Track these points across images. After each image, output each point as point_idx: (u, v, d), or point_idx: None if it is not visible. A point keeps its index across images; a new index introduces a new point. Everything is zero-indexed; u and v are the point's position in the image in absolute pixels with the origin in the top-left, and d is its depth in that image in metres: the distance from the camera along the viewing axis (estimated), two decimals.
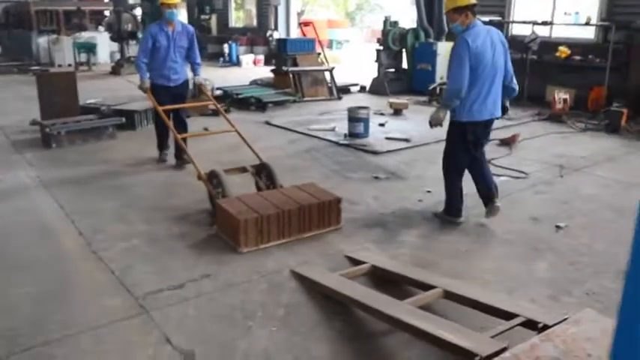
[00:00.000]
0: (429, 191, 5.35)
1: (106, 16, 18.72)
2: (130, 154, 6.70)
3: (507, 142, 7.16)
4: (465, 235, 4.37)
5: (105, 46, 17.01)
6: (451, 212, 4.59)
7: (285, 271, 3.72)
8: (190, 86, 7.27)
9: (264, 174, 5.11)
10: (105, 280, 3.58)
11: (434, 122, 4.45)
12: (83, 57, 16.24)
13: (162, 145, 6.44)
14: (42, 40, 16.86)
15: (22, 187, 5.44)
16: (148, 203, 5.00)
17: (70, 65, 15.09)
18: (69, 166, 6.14)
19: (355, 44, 27.00)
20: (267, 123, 8.60)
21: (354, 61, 18.70)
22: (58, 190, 5.30)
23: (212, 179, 4.83)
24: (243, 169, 5.17)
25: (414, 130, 8.04)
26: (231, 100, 9.76)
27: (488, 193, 4.54)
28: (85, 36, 16.89)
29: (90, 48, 16.34)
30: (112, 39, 15.86)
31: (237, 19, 20.91)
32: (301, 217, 4.31)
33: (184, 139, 5.66)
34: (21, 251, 4.01)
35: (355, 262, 3.85)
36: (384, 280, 3.61)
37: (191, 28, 6.21)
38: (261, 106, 9.69)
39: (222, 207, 4.29)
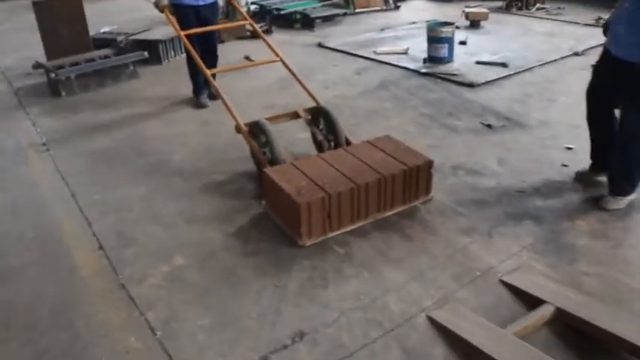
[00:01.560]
0: (569, 148, 3.85)
1: None
2: (157, 98, 5.28)
3: None
4: None
5: None
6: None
7: (392, 299, 2.40)
8: (220, 2, 5.73)
9: (322, 122, 3.71)
10: (142, 349, 2.33)
11: None
12: None
13: (198, 87, 5.01)
14: None
15: (22, 162, 4.14)
16: (187, 178, 3.67)
17: None
18: (81, 124, 4.78)
19: None
20: (320, 45, 6.98)
21: None
22: (69, 164, 3.99)
23: (256, 133, 3.46)
24: (295, 115, 3.77)
25: (504, 48, 6.34)
26: (272, 18, 8.07)
27: None
28: None
29: None
30: None
31: None
32: (381, 191, 3.05)
33: (214, 76, 4.22)
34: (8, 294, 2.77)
35: (516, 291, 2.50)
36: (573, 329, 2.28)
37: None
38: (307, 22, 8.00)
39: (273, 180, 3.01)
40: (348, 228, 3.00)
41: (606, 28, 3.14)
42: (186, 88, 5.13)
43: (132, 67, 5.93)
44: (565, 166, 3.61)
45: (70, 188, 3.62)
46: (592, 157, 3.39)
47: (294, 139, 4.18)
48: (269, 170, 3.11)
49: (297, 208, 2.79)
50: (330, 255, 2.82)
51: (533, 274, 2.61)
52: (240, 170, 3.73)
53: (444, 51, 5.87)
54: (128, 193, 3.53)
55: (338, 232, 2.97)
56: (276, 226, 3.05)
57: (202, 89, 5.01)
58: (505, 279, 2.58)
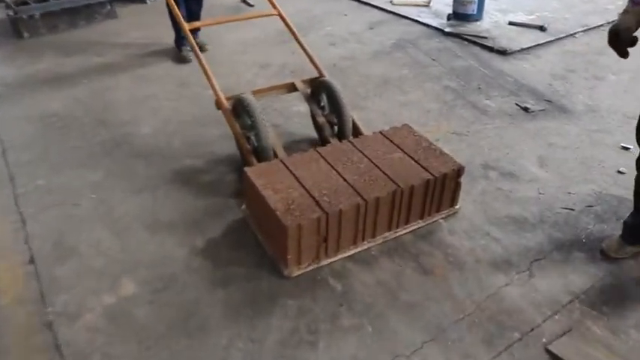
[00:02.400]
0: (625, 147, 3.13)
1: None
2: (134, 45, 4.49)
3: None
4: None
5: None
6: None
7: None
8: None
9: (325, 99, 2.99)
10: None
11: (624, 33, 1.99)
12: None
13: (181, 36, 4.21)
14: None
15: None
16: (154, 162, 2.97)
17: None
18: (40, 75, 4.01)
19: None
20: None
21: None
22: (14, 132, 3.28)
23: (240, 112, 2.74)
24: (291, 87, 3.04)
25: (542, 6, 5.44)
26: None
27: None
28: None
29: None
30: None
31: None
32: (396, 206, 2.36)
33: (195, 31, 3.44)
34: None
35: None
36: None
37: None
38: None
39: (256, 186, 2.29)
40: (350, 252, 2.35)
41: None
42: (169, 36, 4.34)
43: (109, 6, 5.08)
44: (622, 173, 2.91)
45: (9, 168, 2.94)
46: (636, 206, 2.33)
47: (289, 112, 3.46)
48: (250, 171, 2.41)
49: (283, 230, 2.12)
50: (323, 293, 2.18)
51: (589, 341, 1.98)
52: (220, 154, 3.03)
53: (472, 7, 4.99)
54: (79, 179, 2.85)
55: (336, 258, 2.32)
56: (257, 242, 2.40)
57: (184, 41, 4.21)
58: (553, 348, 1.94)
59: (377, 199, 2.28)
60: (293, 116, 3.41)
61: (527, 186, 2.82)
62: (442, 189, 2.48)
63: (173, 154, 3.05)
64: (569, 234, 2.49)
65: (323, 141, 2.94)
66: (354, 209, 2.24)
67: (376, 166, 2.45)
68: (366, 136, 2.70)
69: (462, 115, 3.49)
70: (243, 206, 2.54)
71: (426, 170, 2.43)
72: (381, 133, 2.71)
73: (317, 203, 2.21)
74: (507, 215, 2.60)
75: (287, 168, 2.42)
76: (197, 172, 2.89)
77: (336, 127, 2.96)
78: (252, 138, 2.72)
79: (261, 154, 2.68)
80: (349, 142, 2.64)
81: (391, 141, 2.63)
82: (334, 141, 2.88)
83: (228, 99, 2.81)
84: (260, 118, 2.66)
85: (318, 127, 3.03)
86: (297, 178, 2.35)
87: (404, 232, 2.46)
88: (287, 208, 2.18)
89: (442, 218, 2.57)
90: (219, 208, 2.62)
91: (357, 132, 2.92)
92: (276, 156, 2.67)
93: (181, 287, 2.20)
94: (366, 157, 2.51)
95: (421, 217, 2.52)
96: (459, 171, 2.49)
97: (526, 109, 3.55)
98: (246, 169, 2.43)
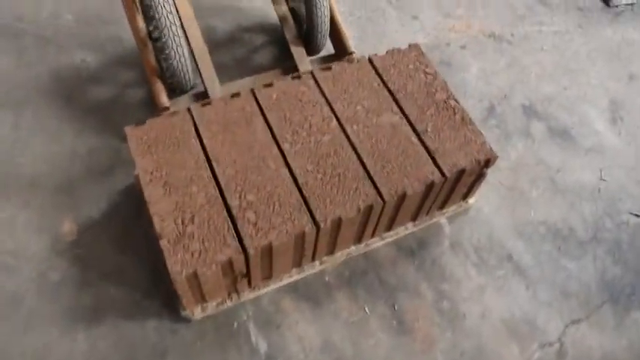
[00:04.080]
0: None
1: None
2: None
3: None
4: None
5: None
6: None
7: None
8: None
9: None
10: None
11: None
12: None
13: None
14: None
15: None
16: (29, 48, 1.91)
17: None
18: None
19: None
20: None
21: None
22: None
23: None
24: None
25: None
26: None
27: None
28: None
29: None
30: None
31: None
32: (372, 220, 1.47)
33: None
34: None
35: None
36: None
37: None
38: None
39: (137, 174, 1.38)
40: (290, 279, 1.49)
41: None
42: None
43: None
44: None
45: None
46: None
47: None
48: (133, 136, 1.40)
49: (172, 275, 1.23)
50: (238, 356, 1.38)
51: None
52: (128, 44, 1.94)
53: None
54: None
55: (266, 290, 1.47)
56: (151, 241, 1.51)
57: None
58: None
59: (338, 222, 1.34)
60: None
61: (585, 160, 1.84)
62: (453, 188, 1.53)
63: (59, 39, 1.95)
64: (634, 268, 1.62)
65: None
66: (295, 238, 1.32)
67: (348, 140, 1.44)
68: (343, 66, 1.61)
69: (508, 1, 2.29)
70: (137, 171, 1.58)
71: (433, 162, 1.44)
72: (370, 61, 1.62)
73: (233, 226, 1.28)
74: (545, 220, 1.69)
75: (197, 133, 1.42)
76: (89, 80, 1.85)
77: (304, 27, 1.84)
78: (158, 45, 1.63)
79: (170, 80, 1.64)
80: (313, 77, 1.57)
81: (384, 83, 1.56)
82: (298, 54, 1.79)
83: None
84: (169, 17, 1.53)
85: (281, 18, 1.90)
86: (208, 160, 1.37)
87: (381, 242, 1.58)
88: (180, 234, 1.25)
89: (446, 218, 1.66)
90: (109, 161, 1.67)
91: (338, 42, 1.82)
92: (203, 94, 1.63)
93: (24, 319, 1.39)
94: (336, 116, 1.49)
95: (413, 219, 1.61)
96: (487, 162, 1.50)
97: (606, 1, 2.33)
98: (127, 130, 1.42)
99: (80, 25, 1.99)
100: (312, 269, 1.51)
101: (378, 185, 1.38)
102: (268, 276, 1.46)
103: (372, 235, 1.55)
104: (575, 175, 1.80)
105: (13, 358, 1.33)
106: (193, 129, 1.43)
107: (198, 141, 1.41)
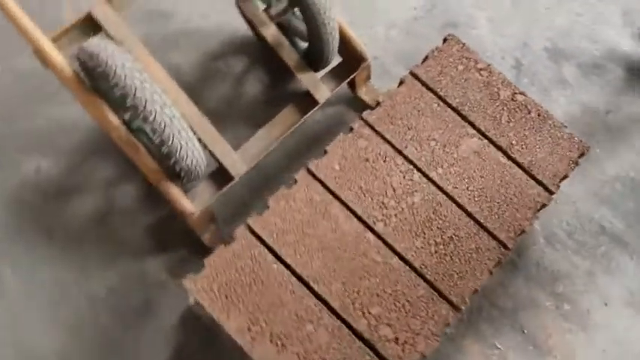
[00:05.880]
0: None
1: None
2: None
3: None
4: None
5: None
6: None
7: None
8: None
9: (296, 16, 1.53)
10: None
11: None
12: None
13: None
14: None
15: None
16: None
17: None
18: None
19: None
20: None
21: None
22: None
23: (95, 78, 1.23)
24: None
25: None
26: None
27: None
28: None
29: None
30: None
31: None
32: None
33: None
34: None
35: None
36: None
37: None
38: None
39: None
40: None
41: None
42: None
43: None
44: None
45: None
46: None
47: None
48: (197, 288, 1.11)
49: None
50: None
51: None
52: (74, 137, 1.54)
53: None
54: None
55: None
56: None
57: None
58: None
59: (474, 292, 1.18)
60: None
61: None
62: None
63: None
64: None
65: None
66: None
67: (442, 191, 1.24)
68: (391, 96, 1.34)
69: None
70: (213, 318, 1.26)
71: (533, 179, 1.28)
72: (416, 77, 1.36)
73: (375, 354, 1.09)
74: (617, 175, 1.60)
75: (273, 254, 1.16)
76: (57, 195, 1.47)
77: (302, 43, 1.51)
78: (148, 134, 1.28)
79: (187, 181, 1.32)
80: (367, 124, 1.29)
81: (444, 101, 1.33)
82: (308, 81, 1.48)
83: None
84: (147, 91, 1.17)
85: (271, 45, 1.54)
86: (305, 283, 1.13)
87: None
88: None
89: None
90: (140, 293, 1.38)
91: (347, 49, 1.51)
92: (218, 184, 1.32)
93: None
94: (414, 165, 1.26)
95: None
96: (581, 156, 1.35)
97: None
98: (187, 285, 1.12)
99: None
100: None
101: (496, 234, 1.22)
102: None
103: None
104: (624, 111, 1.70)
105: None
106: (267, 251, 1.16)
107: (280, 264, 1.16)
